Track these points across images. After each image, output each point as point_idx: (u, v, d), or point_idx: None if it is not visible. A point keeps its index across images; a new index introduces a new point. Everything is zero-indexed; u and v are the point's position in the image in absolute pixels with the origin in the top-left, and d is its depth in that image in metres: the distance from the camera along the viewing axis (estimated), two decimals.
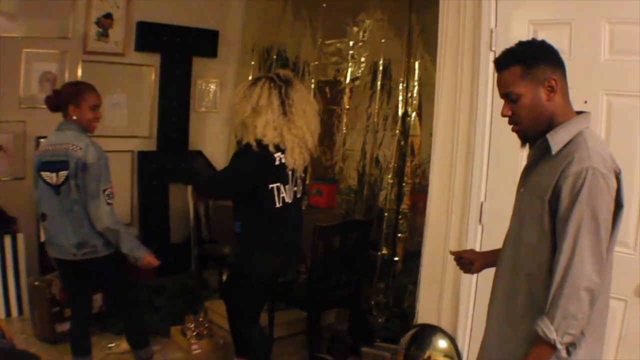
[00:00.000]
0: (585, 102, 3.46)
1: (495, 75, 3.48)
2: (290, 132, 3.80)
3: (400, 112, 5.25)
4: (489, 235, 3.94)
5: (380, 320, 5.25)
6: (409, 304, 5.00)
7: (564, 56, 3.33)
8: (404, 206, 5.25)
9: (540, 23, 3.73)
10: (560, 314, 2.04)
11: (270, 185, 3.82)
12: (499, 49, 3.60)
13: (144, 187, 6.25)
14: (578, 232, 2.05)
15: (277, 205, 3.86)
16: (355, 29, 5.63)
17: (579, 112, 2.28)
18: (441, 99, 4.16)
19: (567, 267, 2.05)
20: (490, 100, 3.90)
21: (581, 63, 3.48)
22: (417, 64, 5.17)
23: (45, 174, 3.67)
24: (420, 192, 5.06)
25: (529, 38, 2.42)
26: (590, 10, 3.51)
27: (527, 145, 2.38)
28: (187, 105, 6.56)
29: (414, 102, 5.19)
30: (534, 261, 2.21)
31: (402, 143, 5.24)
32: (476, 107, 3.94)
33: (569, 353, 2.10)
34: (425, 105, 5.10)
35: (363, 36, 5.60)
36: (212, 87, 6.77)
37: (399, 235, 5.28)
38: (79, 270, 3.80)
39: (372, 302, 5.36)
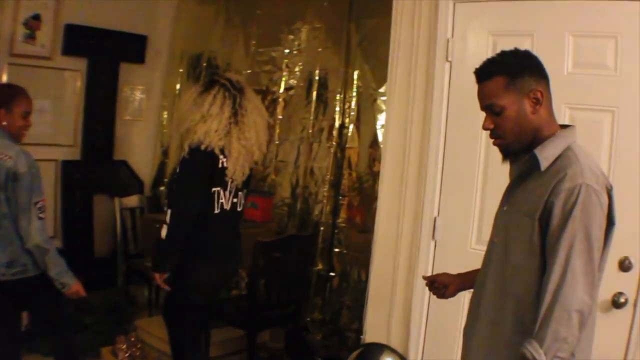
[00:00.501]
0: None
1: (451, 86, 3.50)
2: (239, 141, 3.66)
3: (337, 123, 5.12)
4: (442, 251, 3.84)
5: (317, 337, 5.07)
6: (345, 321, 4.90)
7: None
8: (340, 220, 5.11)
9: (500, 34, 3.64)
10: (550, 336, 1.92)
11: (213, 189, 3.65)
12: (456, 60, 3.67)
13: (67, 198, 5.97)
14: (570, 251, 1.94)
15: (216, 211, 3.68)
16: (291, 37, 5.47)
17: (562, 126, 2.21)
18: (392, 111, 4.01)
19: (558, 288, 1.94)
20: (445, 113, 3.80)
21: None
22: (355, 74, 5.05)
23: None
24: (359, 206, 4.92)
25: (512, 48, 2.27)
26: (553, 22, 3.46)
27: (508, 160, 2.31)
28: (113, 113, 6.29)
29: (352, 113, 5.07)
30: (522, 282, 2.10)
31: (339, 155, 5.10)
32: (430, 119, 3.81)
33: None
34: (363, 116, 4.99)
35: (299, 45, 5.45)
36: (138, 94, 6.48)
37: (335, 250, 5.13)
38: (7, 290, 3.48)
39: (308, 319, 5.17)
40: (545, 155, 2.09)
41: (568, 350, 1.95)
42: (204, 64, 6.13)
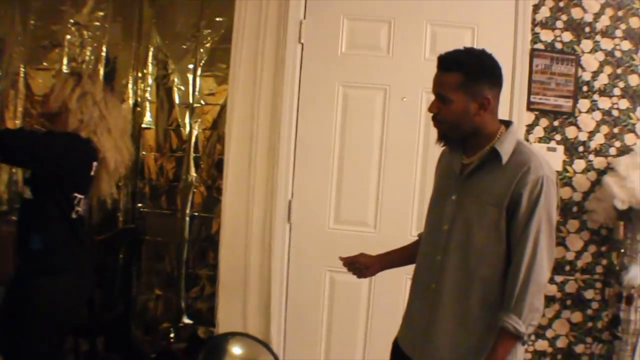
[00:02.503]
0: (404, 98, 3.61)
1: (302, 68, 3.77)
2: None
3: (130, 102, 4.73)
4: (298, 233, 3.89)
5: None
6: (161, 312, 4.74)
7: (379, 53, 3.46)
8: (142, 205, 4.80)
9: (355, 18, 3.76)
10: (527, 308, 2.20)
11: (75, 194, 3.14)
12: (309, 42, 3.81)
13: None
14: (538, 234, 2.22)
15: (73, 217, 3.17)
16: (73, 10, 4.83)
17: (503, 121, 2.42)
18: (236, 93, 3.86)
19: (530, 266, 2.21)
20: (297, 94, 3.82)
21: (401, 61, 3.70)
22: (150, 50, 4.73)
23: None
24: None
25: (476, 47, 2.44)
26: (413, 10, 3.70)
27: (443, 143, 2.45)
28: None
29: (148, 90, 4.76)
30: (488, 264, 2.31)
31: (136, 136, 4.73)
32: (280, 101, 3.80)
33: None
34: (160, 95, 4.74)
35: (85, 19, 4.82)
36: None
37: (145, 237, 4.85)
38: None
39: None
40: (505, 150, 2.29)
41: (538, 318, 2.27)
42: None
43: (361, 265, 2.78)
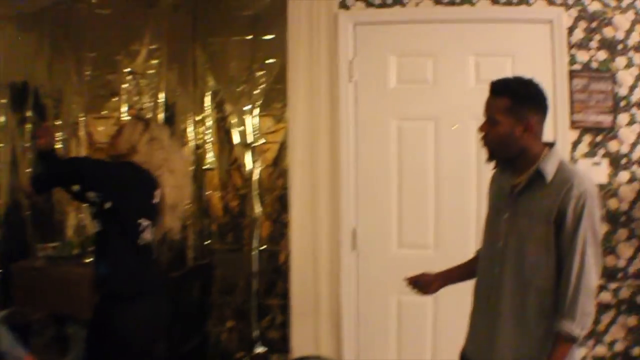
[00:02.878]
0: (454, 127, 3.93)
1: (357, 103, 4.15)
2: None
3: (191, 144, 5.07)
4: (364, 259, 4.20)
5: None
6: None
7: (427, 86, 3.77)
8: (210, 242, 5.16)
9: (402, 54, 4.10)
10: (579, 312, 2.46)
11: (140, 221, 3.38)
12: (360, 79, 4.12)
13: None
14: (584, 244, 2.48)
15: (140, 243, 3.37)
16: (128, 60, 5.19)
17: (547, 144, 2.67)
18: (296, 131, 4.20)
19: (580, 274, 2.47)
20: (353, 129, 4.15)
21: (448, 91, 4.02)
22: (207, 96, 5.05)
23: None
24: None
25: (525, 76, 2.66)
26: (455, 43, 4.01)
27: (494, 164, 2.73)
28: None
29: (208, 135, 5.08)
30: (541, 275, 2.56)
31: (200, 177, 5.09)
32: (339, 137, 4.12)
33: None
34: (224, 137, 5.07)
35: (140, 68, 5.19)
36: None
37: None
38: None
39: None
40: (548, 170, 2.55)
41: (590, 322, 2.51)
42: (31, 93, 5.48)
43: (424, 283, 3.06)
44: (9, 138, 5.48)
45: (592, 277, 2.45)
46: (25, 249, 5.41)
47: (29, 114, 5.43)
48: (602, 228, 2.73)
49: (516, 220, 2.59)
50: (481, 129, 2.60)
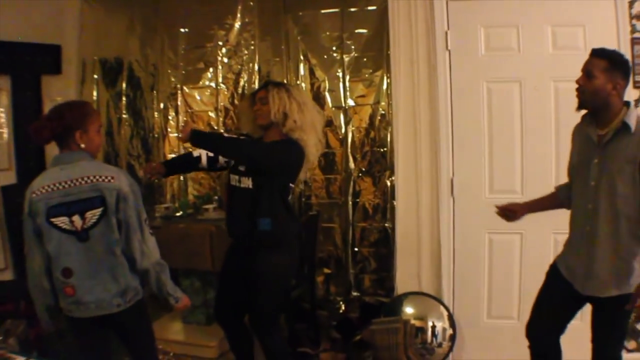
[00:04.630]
0: (535, 88, 4.89)
1: (452, 70, 5.02)
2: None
3: None
4: (460, 204, 5.16)
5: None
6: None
7: (511, 52, 4.71)
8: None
9: (490, 26, 5.02)
10: None
11: (290, 184, 4.30)
12: (454, 48, 5.02)
13: (14, 225, 5.53)
14: None
15: (289, 201, 4.34)
16: (221, 32, 6.08)
17: (625, 102, 3.56)
18: (399, 95, 5.14)
19: None
20: (449, 93, 5.06)
21: (530, 57, 4.93)
22: (301, 65, 5.94)
23: (61, 220, 3.31)
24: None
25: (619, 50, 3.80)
26: (534, 15, 4.92)
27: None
28: None
29: None
30: (631, 206, 3.44)
31: None
32: (437, 100, 5.03)
33: None
34: (317, 101, 5.87)
35: (234, 41, 6.11)
36: None
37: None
38: (118, 322, 3.52)
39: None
40: (632, 122, 3.43)
41: None
42: (126, 68, 6.42)
43: (511, 211, 3.99)
44: (104, 110, 6.37)
45: None
46: None
47: (123, 86, 6.35)
48: None
49: (606, 164, 3.46)
50: (578, 81, 3.49)
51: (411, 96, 5.12)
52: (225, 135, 5.05)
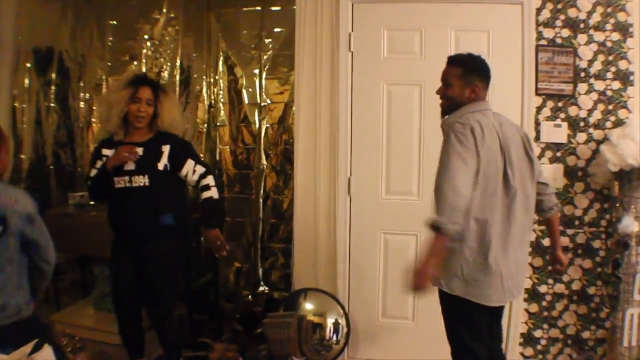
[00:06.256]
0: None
1: (354, 71, 5.42)
2: None
3: (206, 104, 6.42)
4: (356, 203, 5.54)
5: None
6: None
7: (414, 56, 5.08)
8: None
9: (393, 29, 5.41)
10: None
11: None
12: (357, 50, 5.37)
13: None
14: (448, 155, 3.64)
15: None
16: (147, 27, 6.50)
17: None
18: (301, 94, 5.52)
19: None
20: (350, 93, 5.45)
21: (432, 61, 5.14)
22: (221, 62, 6.39)
23: None
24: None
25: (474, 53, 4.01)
26: (439, 20, 5.30)
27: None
28: None
29: (220, 95, 6.43)
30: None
31: (212, 134, 6.49)
32: (337, 100, 5.41)
33: None
34: (235, 98, 6.44)
35: (158, 36, 6.55)
36: None
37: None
38: None
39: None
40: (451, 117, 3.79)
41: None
42: (56, 58, 6.86)
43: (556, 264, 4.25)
44: (34, 99, 6.82)
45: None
46: (49, 199, 6.79)
47: (53, 76, 6.80)
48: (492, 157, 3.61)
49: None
50: (439, 91, 3.87)
51: (313, 95, 5.49)
52: None
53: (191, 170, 4.68)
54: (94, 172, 4.66)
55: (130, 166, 4.54)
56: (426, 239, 3.37)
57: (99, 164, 4.62)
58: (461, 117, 3.65)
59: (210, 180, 4.74)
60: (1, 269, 3.49)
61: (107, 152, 4.63)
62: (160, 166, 4.60)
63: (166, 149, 4.65)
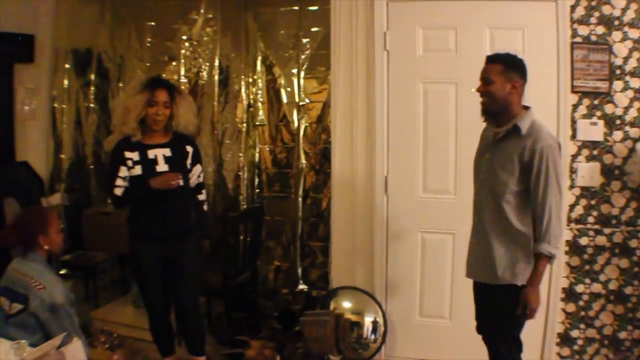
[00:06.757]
0: (472, 89, 5.29)
1: (389, 70, 5.47)
2: None
3: (245, 103, 6.61)
4: (393, 202, 5.63)
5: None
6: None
7: (449, 54, 5.22)
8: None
9: (428, 27, 5.49)
10: (551, 236, 3.84)
11: None
12: (392, 49, 5.44)
13: None
14: (546, 182, 3.81)
15: None
16: (185, 27, 6.71)
17: (525, 107, 4.04)
18: (338, 93, 5.61)
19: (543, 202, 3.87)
20: (386, 92, 5.54)
21: (467, 59, 5.32)
22: (259, 62, 6.56)
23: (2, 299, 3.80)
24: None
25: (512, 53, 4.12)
26: (474, 17, 5.36)
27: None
28: (11, 115, 6.96)
29: (259, 95, 6.62)
30: (508, 191, 3.92)
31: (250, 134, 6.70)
32: (374, 98, 5.50)
33: None
34: (273, 97, 6.63)
35: (197, 36, 6.75)
36: (32, 93, 7.11)
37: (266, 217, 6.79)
38: None
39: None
40: (524, 125, 3.90)
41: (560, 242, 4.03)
42: (95, 59, 7.14)
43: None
44: (74, 99, 7.09)
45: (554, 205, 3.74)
46: (89, 198, 7.03)
47: (92, 77, 7.04)
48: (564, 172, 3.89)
49: (494, 160, 3.98)
50: (479, 89, 3.99)
51: (349, 94, 5.58)
52: None
53: (195, 175, 4.96)
54: (119, 181, 4.74)
55: (163, 167, 4.74)
56: (539, 267, 3.83)
57: (123, 170, 4.72)
58: (541, 132, 3.86)
59: (204, 195, 5.22)
60: (31, 334, 3.69)
61: (129, 154, 4.73)
62: (188, 165, 4.87)
63: (190, 149, 4.91)
